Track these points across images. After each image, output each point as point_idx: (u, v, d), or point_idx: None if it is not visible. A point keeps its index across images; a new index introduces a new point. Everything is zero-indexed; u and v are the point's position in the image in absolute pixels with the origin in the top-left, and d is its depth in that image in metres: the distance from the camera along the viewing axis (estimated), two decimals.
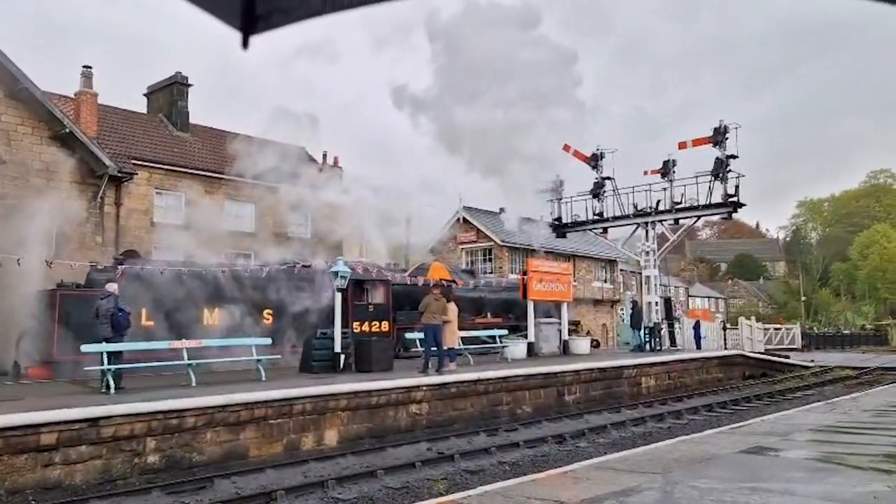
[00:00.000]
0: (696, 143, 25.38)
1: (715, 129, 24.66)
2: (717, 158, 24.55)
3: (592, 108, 36.13)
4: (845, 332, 58.63)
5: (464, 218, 36.30)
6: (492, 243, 35.25)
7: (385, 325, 20.25)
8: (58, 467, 9.13)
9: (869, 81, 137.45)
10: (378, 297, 20.52)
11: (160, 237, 21.33)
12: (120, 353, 12.42)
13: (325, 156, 30.14)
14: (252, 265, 18.84)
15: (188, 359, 13.25)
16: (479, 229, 35.88)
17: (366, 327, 19.81)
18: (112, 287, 12.83)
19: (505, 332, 21.04)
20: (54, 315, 15.00)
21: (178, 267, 16.87)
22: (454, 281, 22.54)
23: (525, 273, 22.59)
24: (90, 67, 22.76)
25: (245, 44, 0.86)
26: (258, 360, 14.15)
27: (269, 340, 15.21)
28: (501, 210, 40.84)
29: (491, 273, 33.35)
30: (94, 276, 16.13)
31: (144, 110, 27.73)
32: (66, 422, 9.17)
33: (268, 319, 18.35)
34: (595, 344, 29.56)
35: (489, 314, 24.01)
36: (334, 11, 0.83)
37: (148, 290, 16.08)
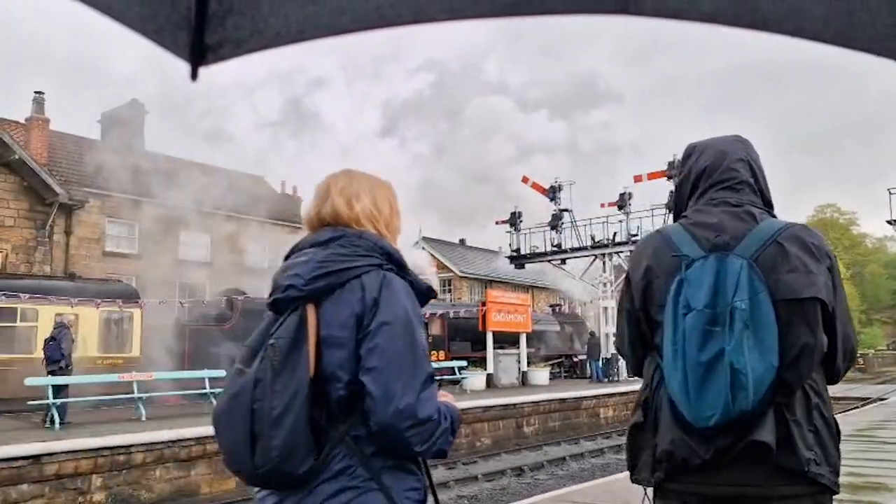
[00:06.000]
0: (652, 176, 25.92)
1: (669, 162, 25.23)
2: (672, 191, 25.08)
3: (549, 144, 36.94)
4: None
5: (423, 249, 36.29)
6: (451, 274, 35.27)
7: (442, 355, 21.67)
8: None
9: (812, 119, 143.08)
10: (435, 329, 22.19)
11: (112, 267, 20.81)
12: (65, 386, 11.98)
13: (283, 185, 29.96)
14: None
15: (138, 392, 12.91)
16: (438, 260, 35.89)
17: None
18: (63, 320, 12.45)
19: (464, 363, 21.00)
20: (184, 347, 16.89)
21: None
22: None
23: (484, 304, 22.65)
24: (42, 93, 22.31)
25: (194, 76, 0.83)
26: (212, 393, 13.81)
27: (222, 372, 14.84)
28: (461, 241, 41.07)
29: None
30: (203, 312, 18.24)
31: (99, 137, 27.21)
32: (5, 459, 8.77)
33: None
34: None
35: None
36: (288, 43, 0.82)
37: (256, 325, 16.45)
